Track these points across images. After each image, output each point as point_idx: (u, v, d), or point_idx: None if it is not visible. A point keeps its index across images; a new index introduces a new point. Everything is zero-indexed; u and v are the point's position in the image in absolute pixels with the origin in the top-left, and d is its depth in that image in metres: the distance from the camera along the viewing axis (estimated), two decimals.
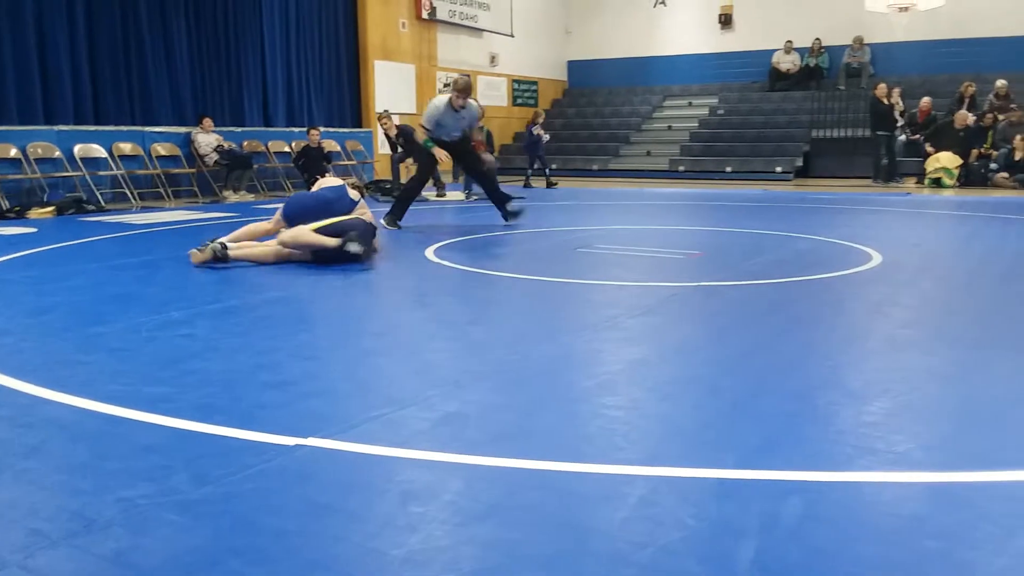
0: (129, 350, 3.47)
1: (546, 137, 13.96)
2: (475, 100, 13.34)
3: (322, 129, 13.95)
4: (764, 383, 3.03)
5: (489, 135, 12.54)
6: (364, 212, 6.14)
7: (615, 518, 1.93)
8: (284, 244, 5.59)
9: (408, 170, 12.47)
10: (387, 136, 12.41)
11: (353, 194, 6.17)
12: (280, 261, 5.62)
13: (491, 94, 18.32)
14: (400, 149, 12.11)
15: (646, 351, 3.56)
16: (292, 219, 5.81)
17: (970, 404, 2.81)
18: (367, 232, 5.75)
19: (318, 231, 5.56)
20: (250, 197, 11.68)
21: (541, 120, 14.01)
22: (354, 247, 5.39)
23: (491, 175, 8.24)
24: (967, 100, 14.42)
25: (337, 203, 6.00)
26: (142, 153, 11.12)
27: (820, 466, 2.24)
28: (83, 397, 2.80)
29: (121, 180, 10.63)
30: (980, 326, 4.02)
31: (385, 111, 12.85)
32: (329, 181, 6.48)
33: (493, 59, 18.45)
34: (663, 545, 1.79)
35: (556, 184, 13.86)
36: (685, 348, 3.66)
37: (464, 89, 7.72)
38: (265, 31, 13.25)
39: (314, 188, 6.41)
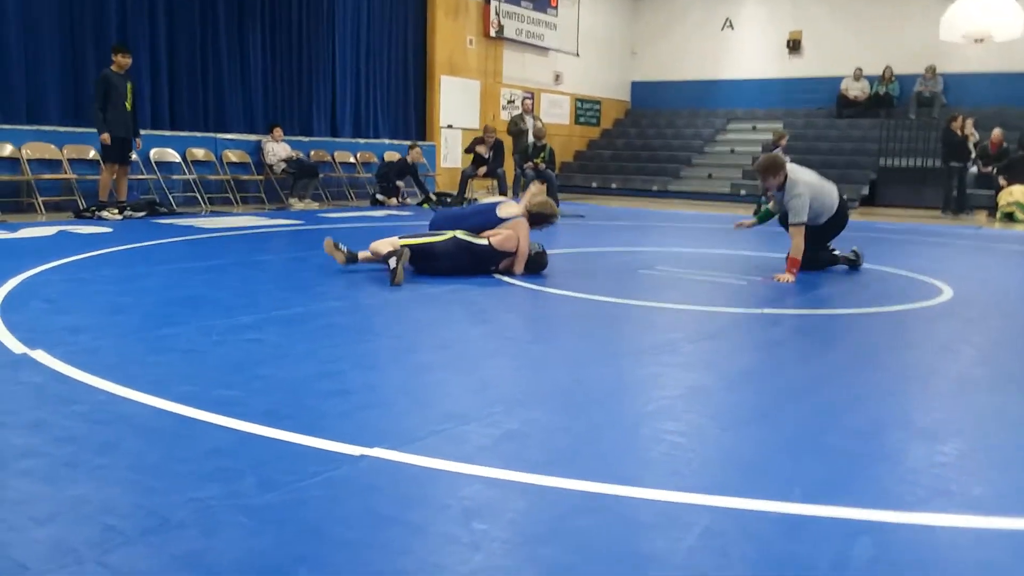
0: (200, 352, 3.56)
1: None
2: (539, 119, 13.49)
3: (387, 141, 14.23)
4: (829, 417, 2.98)
5: (551, 153, 12.57)
6: (499, 234, 5.77)
7: (679, 548, 1.91)
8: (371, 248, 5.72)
9: (485, 186, 12.67)
10: (478, 149, 12.55)
11: (506, 210, 5.88)
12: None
13: (554, 112, 18.39)
14: (483, 163, 12.34)
15: (706, 378, 3.52)
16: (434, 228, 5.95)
17: None
18: (444, 253, 5.64)
19: (408, 242, 5.60)
20: (315, 205, 11.88)
21: (784, 143, 12.73)
22: (392, 263, 5.37)
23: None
24: None
25: (473, 217, 5.91)
26: (214, 159, 11.42)
27: (890, 505, 2.18)
28: (156, 396, 2.88)
29: (193, 184, 10.92)
30: None
31: (491, 127, 13.12)
32: (507, 206, 6.07)
33: (557, 77, 18.53)
34: None
35: None
36: (746, 376, 3.61)
37: (760, 171, 6.51)
38: (337, 44, 13.53)
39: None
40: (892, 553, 1.92)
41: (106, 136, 8.91)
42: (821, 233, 6.49)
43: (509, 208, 5.92)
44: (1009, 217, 12.86)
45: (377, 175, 12.86)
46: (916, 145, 15.44)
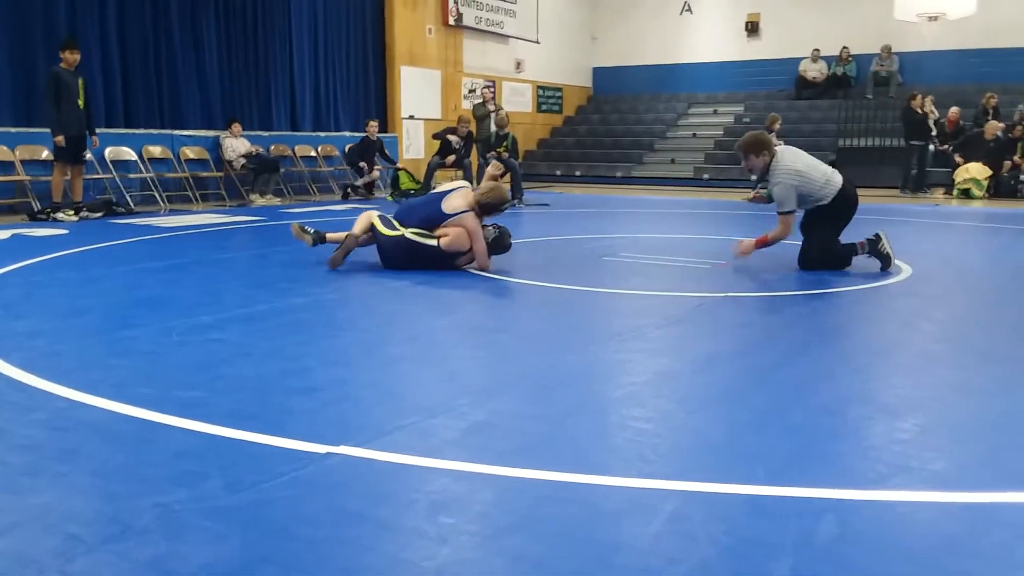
0: (161, 354, 3.51)
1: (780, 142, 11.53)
2: (501, 108, 13.42)
3: (348, 133, 14.12)
4: (794, 397, 3.01)
5: (514, 141, 12.54)
6: (447, 234, 5.56)
7: (646, 533, 1.92)
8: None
9: (449, 176, 12.59)
10: (451, 138, 12.41)
11: (451, 204, 5.64)
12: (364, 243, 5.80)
13: (516, 100, 18.35)
14: (451, 153, 12.26)
15: (673, 362, 3.55)
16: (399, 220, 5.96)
17: (1007, 422, 2.78)
18: (392, 251, 5.63)
19: (375, 222, 5.73)
20: (277, 201, 11.76)
21: (777, 127, 12.38)
22: (332, 250, 5.69)
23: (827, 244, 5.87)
24: (991, 111, 14.27)
25: (422, 208, 5.84)
26: (171, 156, 11.24)
27: (853, 483, 2.22)
28: (117, 401, 2.83)
29: (150, 183, 10.75)
30: (1016, 342, 3.97)
31: (465, 117, 12.91)
32: (453, 198, 5.76)
33: (518, 65, 18.49)
34: (698, 561, 1.79)
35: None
36: (713, 360, 3.63)
37: (742, 149, 5.90)
38: (294, 37, 13.37)
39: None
40: (854, 530, 1.94)
41: (60, 138, 8.71)
42: (830, 222, 5.84)
43: (455, 201, 5.69)
44: (965, 194, 13.09)
45: (348, 164, 12.87)
46: (874, 125, 15.65)
